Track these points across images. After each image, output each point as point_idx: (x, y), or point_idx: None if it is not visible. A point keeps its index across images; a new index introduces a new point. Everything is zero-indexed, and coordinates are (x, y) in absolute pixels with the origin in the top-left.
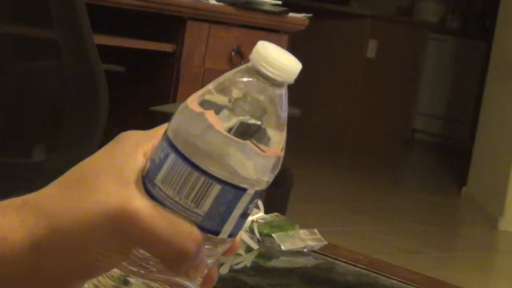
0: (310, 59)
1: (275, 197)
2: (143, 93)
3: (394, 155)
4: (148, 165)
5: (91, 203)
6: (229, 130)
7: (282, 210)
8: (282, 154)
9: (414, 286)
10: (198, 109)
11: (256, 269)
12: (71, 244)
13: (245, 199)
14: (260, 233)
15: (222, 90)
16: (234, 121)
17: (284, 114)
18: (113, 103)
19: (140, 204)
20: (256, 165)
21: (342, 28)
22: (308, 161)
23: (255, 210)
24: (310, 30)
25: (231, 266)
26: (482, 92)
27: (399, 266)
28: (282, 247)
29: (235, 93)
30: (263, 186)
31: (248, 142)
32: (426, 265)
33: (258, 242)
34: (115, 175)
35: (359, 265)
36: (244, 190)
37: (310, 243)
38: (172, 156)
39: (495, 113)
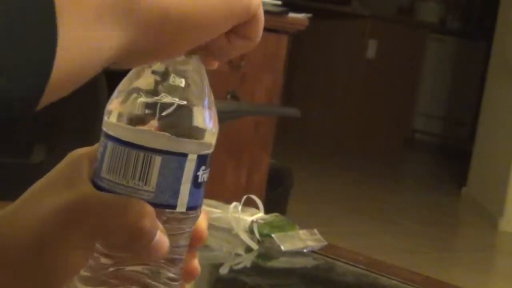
0: (310, 59)
1: (275, 197)
2: None
3: (394, 155)
4: (94, 166)
5: (40, 210)
6: (145, 111)
7: (282, 211)
8: (209, 124)
9: (414, 286)
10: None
11: (256, 269)
12: (31, 248)
13: (190, 166)
14: (260, 234)
15: (142, 74)
16: (152, 101)
17: (206, 90)
18: None
19: (86, 193)
20: (179, 145)
21: (342, 28)
22: (308, 161)
23: (255, 210)
24: (310, 30)
25: (231, 266)
26: (482, 92)
27: (399, 266)
28: (282, 248)
29: (155, 75)
30: (203, 150)
31: (160, 118)
32: (426, 265)
33: (258, 242)
34: (62, 183)
35: (359, 266)
36: (185, 155)
37: (310, 243)
38: (110, 144)
39: (495, 113)
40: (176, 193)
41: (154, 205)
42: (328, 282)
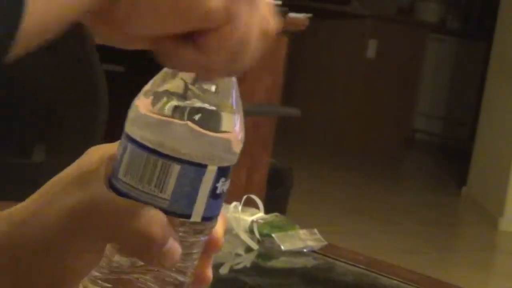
0: (310, 59)
1: (275, 197)
2: None
3: (394, 155)
4: (112, 165)
5: (52, 208)
6: (173, 114)
7: (282, 210)
8: (236, 134)
9: (414, 286)
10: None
11: (256, 269)
12: (41, 249)
13: (209, 177)
14: (260, 233)
15: (172, 77)
16: (182, 105)
17: (234, 96)
18: (113, 103)
19: (99, 195)
20: (205, 141)
21: (342, 28)
22: (308, 161)
23: (255, 210)
24: (310, 30)
25: (231, 266)
26: (482, 92)
27: (399, 266)
28: (282, 247)
29: (184, 78)
30: (225, 162)
31: (190, 121)
32: (426, 265)
33: (258, 242)
34: (77, 181)
35: (359, 265)
36: (204, 166)
37: (310, 243)
38: (129, 147)
39: (495, 113)
40: (192, 203)
41: (168, 213)
42: (328, 282)
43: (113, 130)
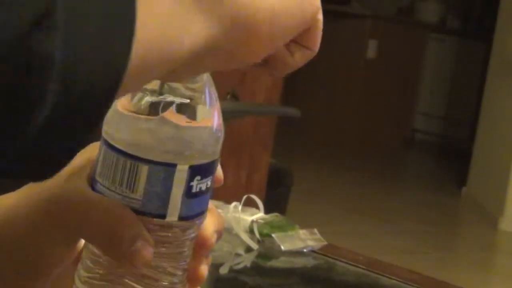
0: (310, 59)
1: (275, 197)
2: None
3: (394, 155)
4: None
5: (31, 196)
6: (147, 111)
7: (282, 210)
8: (212, 127)
9: (414, 286)
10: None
11: (256, 269)
12: (19, 234)
13: (180, 176)
14: (260, 233)
15: None
16: (156, 101)
17: (209, 89)
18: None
19: (75, 189)
20: (174, 138)
21: (342, 28)
22: (308, 161)
23: (255, 210)
24: None
25: (231, 266)
26: (482, 92)
27: (399, 266)
28: (282, 247)
29: None
30: (197, 161)
31: (159, 117)
32: (426, 265)
33: (258, 242)
34: (65, 173)
35: (359, 265)
36: (173, 166)
37: (310, 243)
38: (103, 148)
39: (495, 113)
40: (165, 203)
41: (142, 213)
42: (328, 282)
43: None
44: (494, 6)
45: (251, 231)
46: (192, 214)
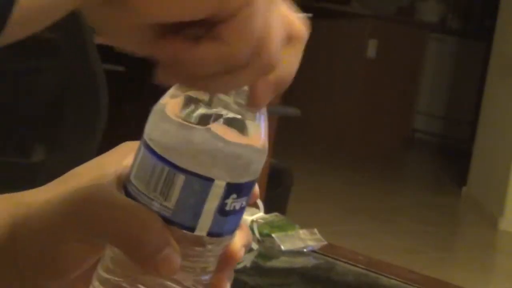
0: (310, 59)
1: (275, 197)
2: (144, 93)
3: (394, 155)
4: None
5: (61, 194)
6: (197, 121)
7: (282, 210)
8: (259, 146)
9: (414, 286)
10: (164, 101)
11: (256, 269)
12: (41, 231)
13: (216, 191)
14: (260, 233)
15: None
16: (207, 113)
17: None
18: (113, 103)
19: (102, 189)
20: (218, 152)
21: (342, 28)
22: (308, 161)
23: (255, 210)
24: (310, 30)
25: None
26: (482, 92)
27: (399, 266)
28: (282, 247)
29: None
30: (237, 179)
31: (207, 128)
32: (426, 265)
33: (258, 242)
34: (94, 175)
35: (359, 265)
36: (210, 180)
37: (310, 243)
38: (142, 151)
39: (495, 113)
40: (196, 216)
41: (171, 223)
42: (328, 282)
43: (113, 130)
44: (494, 6)
45: (251, 231)
46: (222, 231)
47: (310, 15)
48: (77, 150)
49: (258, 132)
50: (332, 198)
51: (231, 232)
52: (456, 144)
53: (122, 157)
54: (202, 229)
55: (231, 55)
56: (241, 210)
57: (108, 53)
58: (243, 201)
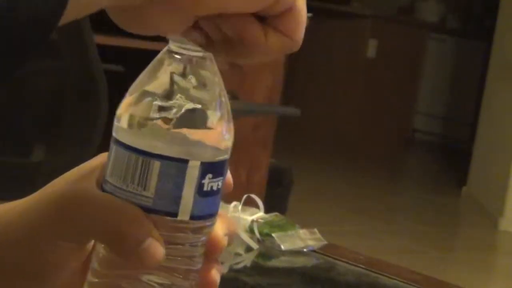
0: (310, 59)
1: (275, 197)
2: None
3: (394, 155)
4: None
5: (41, 196)
6: (159, 113)
7: (282, 210)
8: (221, 130)
9: (414, 286)
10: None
11: (256, 269)
12: (21, 236)
13: (192, 173)
14: (260, 233)
15: (158, 73)
16: (165, 104)
17: (219, 92)
18: (113, 103)
19: (83, 189)
20: (186, 137)
21: (342, 28)
22: (308, 161)
23: (255, 210)
24: (310, 30)
25: (231, 266)
26: (482, 92)
27: (399, 266)
28: (282, 247)
29: (172, 72)
30: (210, 158)
31: (165, 119)
32: (426, 265)
33: (258, 242)
34: (70, 179)
35: (359, 265)
36: (185, 161)
37: (310, 242)
38: (114, 148)
39: (495, 113)
40: (177, 201)
41: (153, 211)
42: (328, 282)
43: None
44: (494, 6)
45: (251, 231)
46: (203, 214)
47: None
48: (77, 150)
49: (221, 117)
50: (332, 198)
51: (212, 216)
52: (456, 144)
53: (99, 160)
54: (184, 213)
55: (293, 47)
56: (218, 191)
57: (108, 53)
58: (219, 182)
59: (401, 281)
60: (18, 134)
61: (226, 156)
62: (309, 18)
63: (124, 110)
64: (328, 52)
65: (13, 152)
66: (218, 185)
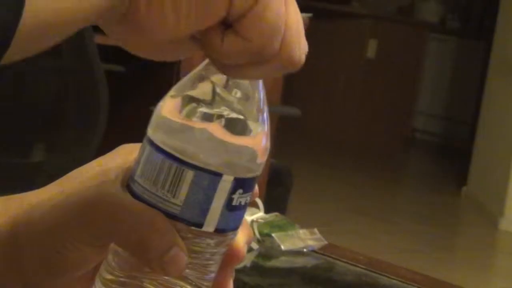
0: (310, 59)
1: (275, 197)
2: (144, 93)
3: (394, 155)
4: (132, 167)
5: (65, 194)
6: (199, 120)
7: (282, 210)
8: (260, 145)
9: (414, 286)
10: (165, 101)
11: (256, 269)
12: (43, 231)
13: (224, 186)
14: (260, 233)
15: (201, 80)
16: (207, 111)
17: (262, 105)
18: (113, 103)
19: (108, 191)
20: (223, 149)
21: (342, 28)
22: (308, 161)
23: (255, 210)
24: (310, 30)
25: None
26: (482, 92)
27: (399, 266)
28: (282, 247)
29: (214, 81)
30: (243, 174)
31: (209, 125)
32: (426, 265)
33: (258, 242)
34: (95, 172)
35: (359, 265)
36: (219, 175)
37: (310, 243)
38: (148, 149)
39: (495, 113)
40: (204, 212)
41: (179, 219)
42: (328, 282)
43: (113, 130)
44: (494, 6)
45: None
46: (228, 228)
47: (310, 15)
48: (77, 150)
49: (261, 132)
50: (332, 197)
51: (236, 228)
52: (456, 144)
53: (122, 158)
54: (209, 225)
55: (253, 50)
56: (245, 206)
57: (108, 53)
58: (247, 197)
59: (401, 281)
60: (18, 134)
61: (258, 173)
62: (309, 18)
63: (166, 112)
64: (328, 52)
65: (13, 152)
66: (246, 200)
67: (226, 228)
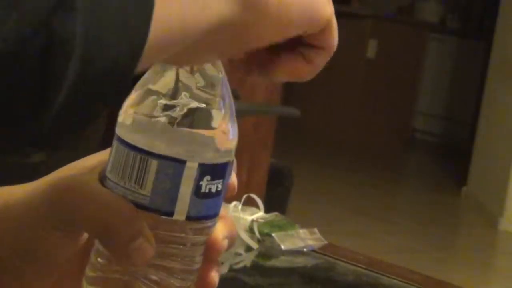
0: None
1: (275, 197)
2: None
3: (394, 155)
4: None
5: (41, 184)
6: (162, 111)
7: (282, 210)
8: (225, 130)
9: (414, 286)
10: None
11: (256, 268)
12: (16, 217)
13: (189, 174)
14: (260, 233)
15: (163, 72)
16: (168, 103)
17: (224, 93)
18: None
19: (79, 181)
20: (186, 137)
21: (342, 28)
22: (308, 161)
23: (255, 209)
24: None
25: (230, 265)
26: (482, 92)
27: (399, 266)
28: (282, 247)
29: (170, 76)
30: (208, 160)
31: (170, 115)
32: (426, 264)
33: (258, 241)
34: (74, 167)
35: (359, 265)
36: (183, 162)
37: (310, 242)
38: (115, 144)
39: (495, 113)
40: (173, 201)
41: (150, 209)
42: (328, 282)
43: (113, 130)
44: (494, 6)
45: (251, 231)
46: (201, 215)
47: None
48: (77, 149)
49: (222, 118)
50: (332, 198)
51: (211, 217)
52: (456, 144)
53: (103, 155)
54: (180, 213)
55: (330, 54)
56: (218, 194)
57: None
58: (218, 184)
59: (401, 281)
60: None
61: (228, 159)
62: None
63: (127, 107)
64: None
65: (13, 152)
66: (217, 187)
67: (199, 216)
